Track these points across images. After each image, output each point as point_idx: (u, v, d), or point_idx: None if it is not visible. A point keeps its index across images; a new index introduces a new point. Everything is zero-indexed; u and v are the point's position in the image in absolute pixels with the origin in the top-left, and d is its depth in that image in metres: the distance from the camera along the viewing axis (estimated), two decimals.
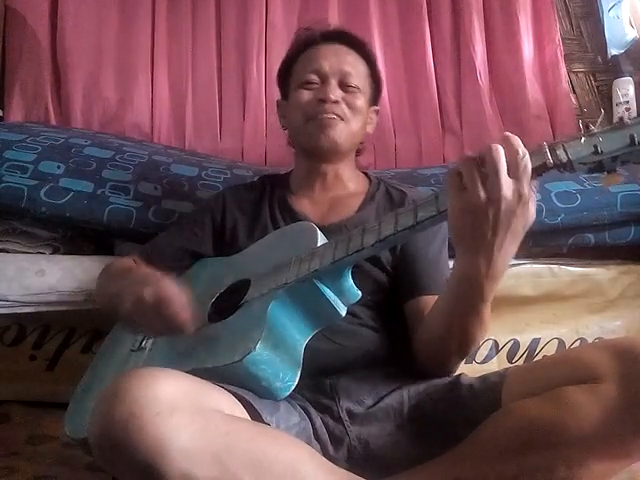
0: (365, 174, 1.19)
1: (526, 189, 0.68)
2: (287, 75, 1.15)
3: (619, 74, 2.05)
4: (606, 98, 2.12)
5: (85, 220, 1.28)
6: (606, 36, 2.16)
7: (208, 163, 1.57)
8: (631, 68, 2.06)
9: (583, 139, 0.65)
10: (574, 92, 2.17)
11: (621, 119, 0.64)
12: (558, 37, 2.13)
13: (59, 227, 1.32)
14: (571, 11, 2.24)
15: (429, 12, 2.13)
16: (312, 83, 1.08)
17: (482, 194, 0.68)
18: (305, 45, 1.13)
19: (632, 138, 0.63)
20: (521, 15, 2.11)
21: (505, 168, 0.67)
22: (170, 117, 2.03)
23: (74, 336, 1.32)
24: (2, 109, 1.92)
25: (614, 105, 2.00)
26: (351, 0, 2.13)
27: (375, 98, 1.17)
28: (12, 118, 1.90)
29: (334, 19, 2.07)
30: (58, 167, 1.32)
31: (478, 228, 0.70)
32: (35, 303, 1.22)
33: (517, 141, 0.68)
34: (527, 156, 0.68)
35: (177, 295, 0.81)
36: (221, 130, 2.05)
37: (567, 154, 0.66)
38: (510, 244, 0.71)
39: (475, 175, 0.69)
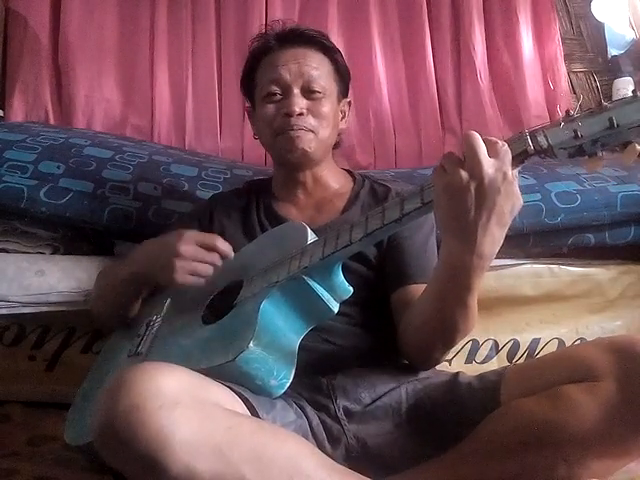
0: (348, 172, 1.18)
1: (509, 169, 0.68)
2: (250, 85, 1.12)
3: (619, 74, 2.05)
4: (606, 98, 2.11)
5: (85, 220, 1.28)
6: (606, 36, 2.17)
7: (208, 163, 1.57)
8: (631, 68, 2.06)
9: (562, 124, 0.66)
10: (574, 92, 2.18)
11: (600, 103, 0.65)
12: (558, 37, 2.14)
13: (59, 227, 1.31)
14: (571, 11, 2.24)
15: (429, 12, 2.14)
16: (275, 94, 1.05)
17: (463, 173, 0.68)
18: (262, 52, 1.10)
19: (611, 121, 0.64)
20: (521, 15, 2.11)
21: (484, 148, 0.68)
22: (170, 117, 2.03)
23: (74, 336, 1.32)
24: (3, 109, 1.93)
25: None
26: (351, 0, 2.13)
27: (345, 90, 1.14)
28: (12, 118, 1.90)
29: (334, 19, 2.07)
30: (58, 167, 1.32)
31: (461, 206, 0.69)
32: (35, 304, 1.22)
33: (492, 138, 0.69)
34: (505, 144, 0.68)
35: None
36: (221, 130, 2.05)
37: (547, 140, 0.67)
38: (496, 226, 0.69)
39: (456, 160, 0.70)
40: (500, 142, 0.69)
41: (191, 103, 2.03)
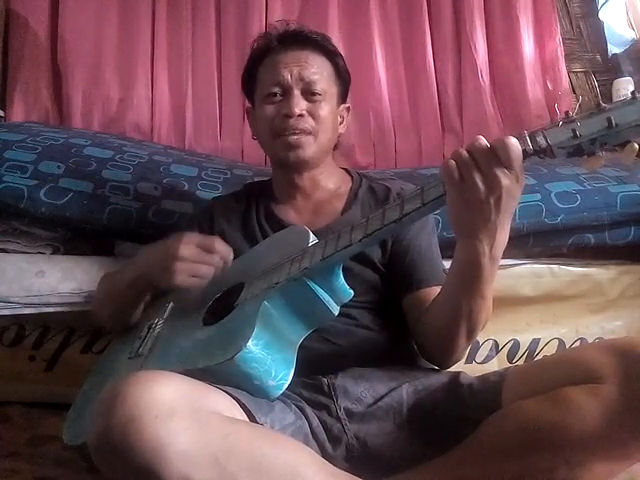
0: (346, 171, 1.18)
1: (521, 173, 0.70)
2: (251, 84, 1.12)
3: (619, 74, 2.05)
4: (606, 98, 2.12)
5: (85, 220, 1.28)
6: (606, 36, 2.17)
7: (208, 163, 1.57)
8: (631, 68, 2.06)
9: (561, 124, 0.68)
10: (574, 92, 2.18)
11: (598, 104, 0.66)
12: (558, 37, 2.14)
13: (59, 227, 1.31)
14: (571, 11, 2.25)
15: (430, 11, 2.14)
16: (275, 95, 1.05)
17: (482, 187, 0.70)
18: (264, 52, 1.09)
19: (609, 121, 0.65)
20: (521, 15, 2.12)
21: (499, 160, 0.70)
22: (170, 117, 2.04)
23: (73, 336, 1.31)
24: (3, 110, 1.93)
25: None
26: (351, 0, 2.13)
27: (344, 95, 1.14)
28: (13, 119, 1.90)
29: (334, 19, 2.07)
30: (58, 167, 1.32)
31: (481, 217, 0.72)
32: (36, 304, 1.22)
33: (509, 139, 0.70)
34: (517, 143, 0.69)
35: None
36: (221, 130, 2.05)
37: (546, 139, 0.68)
38: (507, 221, 0.74)
39: (472, 170, 0.71)
40: (513, 141, 0.70)
41: (191, 103, 2.03)
